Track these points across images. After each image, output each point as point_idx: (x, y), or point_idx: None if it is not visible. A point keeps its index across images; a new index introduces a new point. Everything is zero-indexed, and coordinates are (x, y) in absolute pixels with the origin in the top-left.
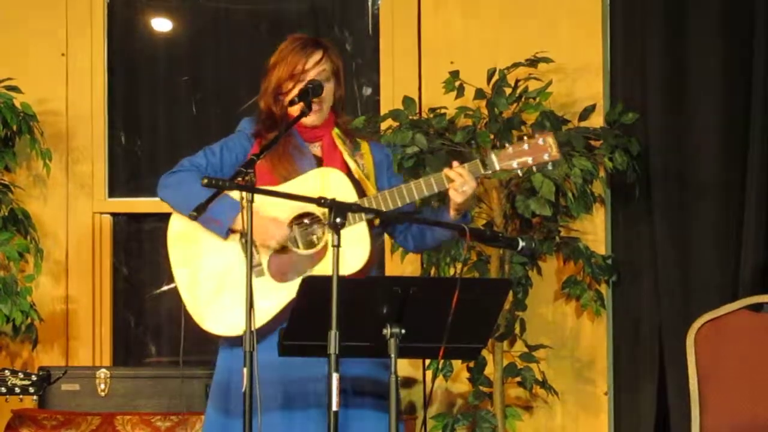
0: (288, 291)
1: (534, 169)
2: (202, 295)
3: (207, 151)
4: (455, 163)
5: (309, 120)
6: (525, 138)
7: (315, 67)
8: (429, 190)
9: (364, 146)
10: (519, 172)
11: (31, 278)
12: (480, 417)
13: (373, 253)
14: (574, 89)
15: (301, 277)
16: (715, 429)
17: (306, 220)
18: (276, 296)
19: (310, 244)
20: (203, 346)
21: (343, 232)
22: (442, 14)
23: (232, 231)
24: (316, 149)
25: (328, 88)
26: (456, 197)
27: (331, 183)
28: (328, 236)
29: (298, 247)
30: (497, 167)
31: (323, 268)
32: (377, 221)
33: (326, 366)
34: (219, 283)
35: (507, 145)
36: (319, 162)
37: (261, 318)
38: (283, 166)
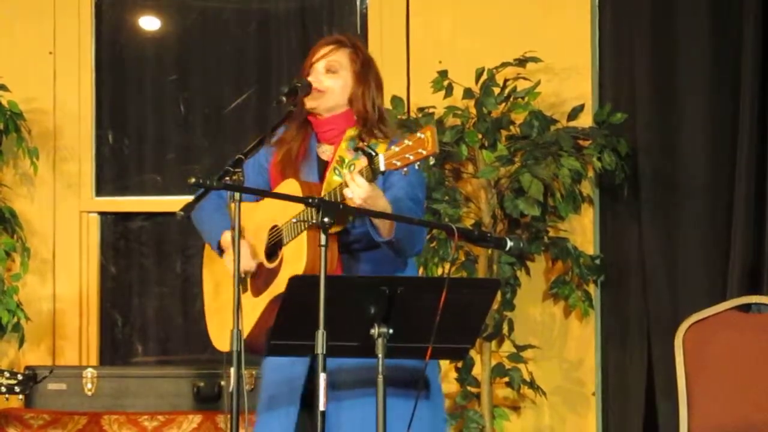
0: (260, 305)
1: (417, 165)
2: (209, 313)
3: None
4: (350, 174)
5: (310, 104)
6: (410, 134)
7: (321, 59)
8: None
9: (381, 148)
10: (404, 170)
11: (17, 277)
12: (467, 417)
13: (311, 264)
14: (562, 89)
15: (268, 292)
16: (702, 429)
17: (273, 233)
18: (252, 311)
19: (274, 257)
20: (191, 346)
21: (285, 248)
22: (431, 13)
23: (223, 249)
24: (326, 152)
25: (336, 81)
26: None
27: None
28: (284, 250)
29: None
30: (383, 169)
31: (278, 283)
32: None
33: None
34: (222, 301)
35: (394, 146)
36: (324, 166)
37: (243, 334)
38: (290, 170)
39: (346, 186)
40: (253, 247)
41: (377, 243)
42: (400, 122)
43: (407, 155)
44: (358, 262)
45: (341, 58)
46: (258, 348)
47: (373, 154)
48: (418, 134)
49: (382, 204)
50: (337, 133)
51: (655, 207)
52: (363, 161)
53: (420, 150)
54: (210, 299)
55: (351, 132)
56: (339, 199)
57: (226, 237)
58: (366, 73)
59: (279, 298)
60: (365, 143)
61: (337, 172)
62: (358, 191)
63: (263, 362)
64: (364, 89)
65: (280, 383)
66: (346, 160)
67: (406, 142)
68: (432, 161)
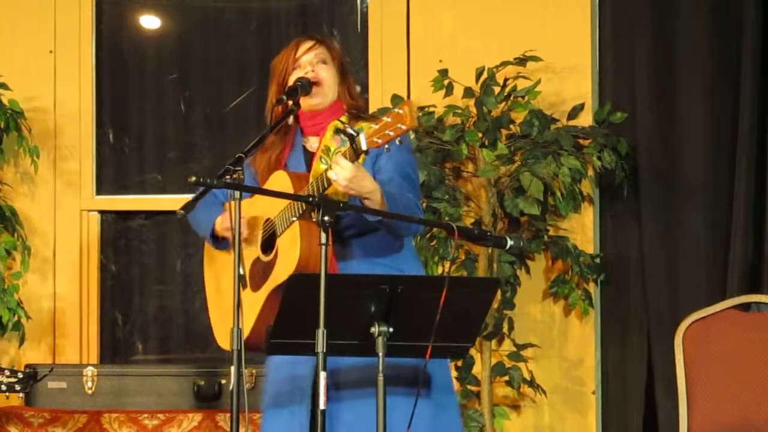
0: (260, 299)
1: (397, 141)
2: (213, 314)
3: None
4: (334, 157)
5: (312, 101)
6: (388, 111)
7: (306, 53)
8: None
9: (366, 127)
10: (385, 147)
11: (18, 275)
12: (467, 416)
13: (305, 253)
14: (562, 88)
15: (266, 285)
16: (702, 428)
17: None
18: (253, 307)
19: (270, 251)
20: (191, 345)
21: (280, 240)
22: (431, 12)
23: (216, 236)
24: (313, 144)
25: (327, 72)
26: (340, 188)
27: (275, 186)
28: (278, 242)
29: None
30: (365, 147)
31: (276, 275)
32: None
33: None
34: (224, 301)
35: (373, 125)
36: (311, 158)
37: (246, 331)
38: (277, 165)
39: (330, 169)
40: (249, 241)
41: (369, 228)
42: None
43: (387, 131)
44: (352, 250)
45: (324, 52)
46: (262, 344)
47: (354, 134)
48: (396, 110)
49: (369, 184)
50: (324, 125)
51: (655, 206)
52: (347, 145)
53: (399, 125)
54: (213, 300)
55: (337, 122)
56: (325, 184)
57: (219, 223)
58: (345, 66)
59: (278, 289)
60: (346, 125)
61: (323, 160)
62: (342, 173)
63: (267, 360)
64: (347, 81)
65: (283, 382)
66: (332, 149)
67: (385, 119)
68: (412, 136)
